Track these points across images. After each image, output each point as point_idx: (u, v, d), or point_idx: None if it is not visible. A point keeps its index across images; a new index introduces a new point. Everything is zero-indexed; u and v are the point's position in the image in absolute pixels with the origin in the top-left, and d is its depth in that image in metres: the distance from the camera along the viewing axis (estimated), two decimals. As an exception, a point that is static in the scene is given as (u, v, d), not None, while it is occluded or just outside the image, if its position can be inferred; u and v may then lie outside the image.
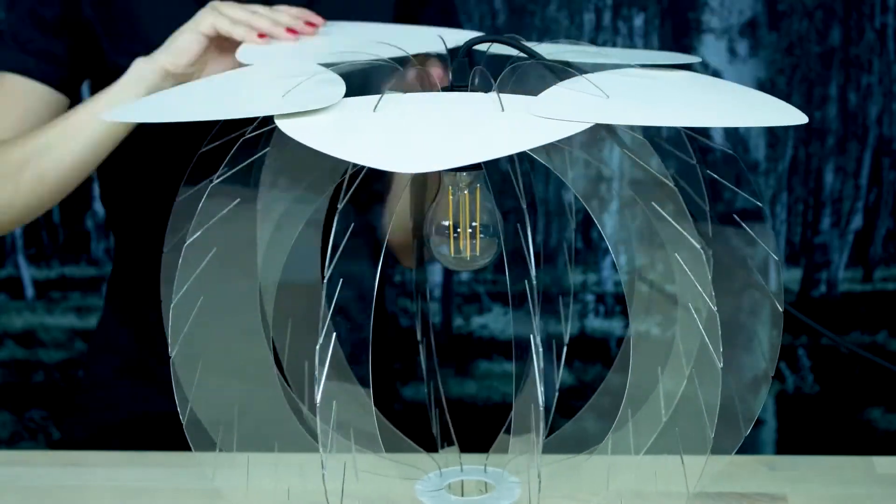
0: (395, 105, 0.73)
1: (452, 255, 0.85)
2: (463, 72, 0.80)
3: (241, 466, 0.90)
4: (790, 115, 0.73)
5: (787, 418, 1.84)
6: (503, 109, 0.71)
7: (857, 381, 1.82)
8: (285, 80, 0.76)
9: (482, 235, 0.85)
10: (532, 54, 0.81)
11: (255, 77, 0.88)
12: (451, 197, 0.84)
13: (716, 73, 1.71)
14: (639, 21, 1.70)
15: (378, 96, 0.72)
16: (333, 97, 0.74)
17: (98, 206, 1.72)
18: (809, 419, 1.84)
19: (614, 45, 1.71)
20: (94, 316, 1.75)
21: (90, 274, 1.75)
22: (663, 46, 1.71)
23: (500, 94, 0.72)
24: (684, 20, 1.69)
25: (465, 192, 0.84)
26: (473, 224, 0.85)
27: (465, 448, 1.02)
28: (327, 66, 0.82)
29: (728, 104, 0.78)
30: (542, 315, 0.88)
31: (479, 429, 1.03)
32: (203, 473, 0.90)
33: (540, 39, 1.70)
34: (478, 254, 0.85)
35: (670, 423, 0.87)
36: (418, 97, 0.76)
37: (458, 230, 0.85)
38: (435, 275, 1.80)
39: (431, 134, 0.70)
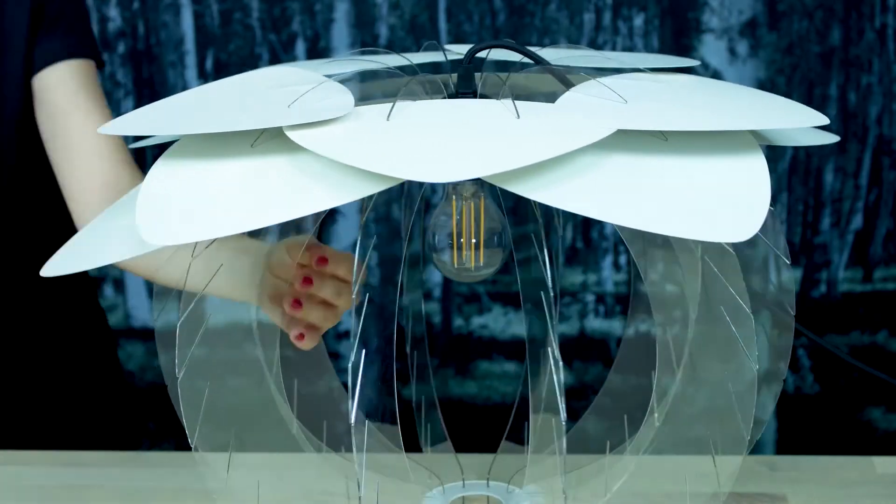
0: (408, 113, 0.69)
1: (455, 265, 0.83)
2: (468, 79, 0.79)
3: (240, 467, 0.90)
4: (810, 117, 0.72)
5: (787, 418, 1.84)
6: (519, 116, 0.69)
7: (856, 382, 1.82)
8: (284, 91, 0.73)
9: (486, 245, 0.83)
10: (539, 60, 0.81)
11: (249, 87, 0.82)
12: (454, 206, 0.82)
13: (716, 74, 1.71)
14: (639, 21, 1.70)
15: (389, 104, 0.68)
16: (344, 106, 0.70)
17: (98, 206, 1.72)
18: (809, 419, 1.84)
19: (614, 45, 1.71)
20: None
21: (90, 274, 1.74)
22: (663, 46, 1.71)
23: (515, 101, 0.70)
24: (684, 20, 1.69)
25: (470, 201, 0.82)
26: (477, 235, 0.83)
27: (466, 448, 1.01)
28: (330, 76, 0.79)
29: (749, 107, 0.76)
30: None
31: (479, 429, 1.03)
32: (202, 473, 0.90)
33: (540, 39, 1.70)
34: (482, 264, 0.83)
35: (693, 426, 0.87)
36: (429, 104, 0.73)
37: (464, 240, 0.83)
38: (435, 275, 1.80)
39: (458, 142, 0.67)
